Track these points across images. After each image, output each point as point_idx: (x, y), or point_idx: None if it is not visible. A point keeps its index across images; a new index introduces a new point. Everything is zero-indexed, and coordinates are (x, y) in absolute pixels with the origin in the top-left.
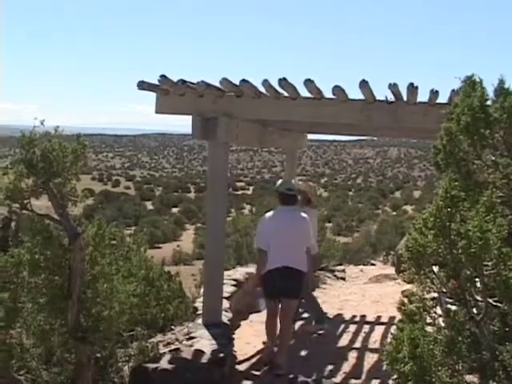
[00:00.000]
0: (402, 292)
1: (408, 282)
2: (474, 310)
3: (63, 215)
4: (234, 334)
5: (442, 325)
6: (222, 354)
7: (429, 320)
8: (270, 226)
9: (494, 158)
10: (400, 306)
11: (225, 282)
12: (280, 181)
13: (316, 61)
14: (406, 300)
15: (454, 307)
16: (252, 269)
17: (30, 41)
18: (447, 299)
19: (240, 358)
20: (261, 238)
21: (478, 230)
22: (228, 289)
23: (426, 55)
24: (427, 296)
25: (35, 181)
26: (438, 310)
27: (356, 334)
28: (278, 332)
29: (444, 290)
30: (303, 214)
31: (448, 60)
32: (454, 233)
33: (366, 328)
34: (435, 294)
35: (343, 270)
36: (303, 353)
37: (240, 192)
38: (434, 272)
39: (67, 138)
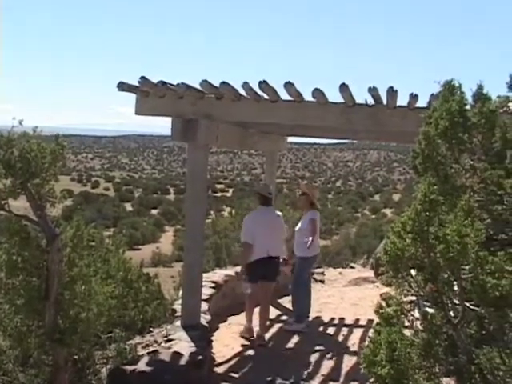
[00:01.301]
0: (381, 295)
1: (386, 285)
2: (451, 314)
3: (41, 216)
4: (212, 336)
5: (420, 328)
6: (200, 357)
7: (406, 323)
8: (255, 223)
9: (471, 163)
10: (378, 309)
11: (204, 284)
12: (261, 184)
13: (298, 65)
14: (383, 303)
15: (431, 310)
16: (231, 271)
17: (11, 39)
18: (425, 302)
19: (218, 360)
20: (247, 233)
21: (456, 234)
22: (207, 291)
23: (407, 59)
24: (405, 299)
25: (13, 181)
26: (416, 314)
27: (334, 336)
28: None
29: (421, 294)
30: (278, 212)
31: (429, 64)
32: (432, 237)
33: (345, 331)
34: (413, 298)
35: (322, 273)
36: (281, 355)
37: (219, 194)
38: (411, 275)
39: (46, 139)
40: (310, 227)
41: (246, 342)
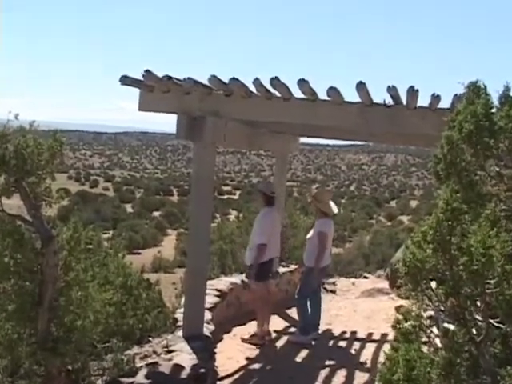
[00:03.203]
0: (396, 308)
1: (403, 298)
2: (474, 331)
3: (36, 216)
4: (215, 347)
5: (440, 345)
6: (202, 370)
7: (425, 340)
8: (270, 224)
9: (498, 169)
10: (395, 324)
11: (207, 292)
12: (264, 182)
13: (311, 62)
14: (401, 317)
15: (452, 327)
16: (237, 279)
17: (8, 29)
18: (445, 318)
19: (222, 373)
20: (264, 234)
21: (481, 245)
22: (211, 299)
23: (428, 57)
24: (424, 314)
25: (7, 179)
26: (436, 330)
27: (346, 351)
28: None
29: (442, 309)
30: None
31: (452, 63)
32: (455, 248)
33: (357, 345)
34: (433, 313)
35: (334, 283)
36: (289, 370)
37: (226, 197)
38: (431, 289)
39: (43, 134)
40: (318, 242)
41: (251, 353)
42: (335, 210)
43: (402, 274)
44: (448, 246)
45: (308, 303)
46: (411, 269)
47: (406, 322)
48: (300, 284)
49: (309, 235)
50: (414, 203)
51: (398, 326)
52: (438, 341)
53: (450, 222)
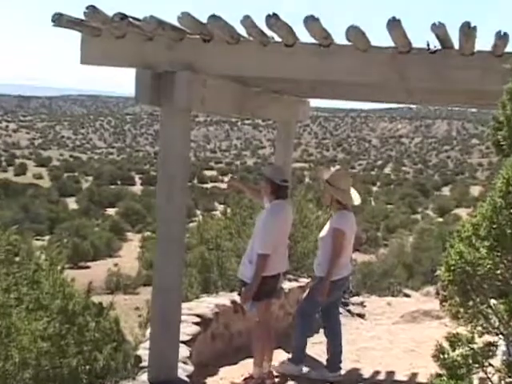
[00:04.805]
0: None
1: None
2: None
3: None
4: None
5: None
6: None
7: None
8: (281, 225)
9: None
10: (438, 354)
11: (184, 318)
12: (271, 167)
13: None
14: (447, 345)
15: None
16: (225, 299)
17: None
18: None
19: None
20: (271, 241)
21: None
22: (188, 329)
23: None
24: (479, 340)
25: None
26: (497, 362)
27: None
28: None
29: (505, 332)
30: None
31: None
32: None
33: None
34: (492, 338)
35: (362, 304)
36: None
37: (210, 185)
38: (489, 304)
39: None
40: (332, 243)
41: None
42: (357, 200)
43: (446, 282)
44: (509, 242)
45: (309, 326)
46: (458, 275)
47: (454, 351)
48: (304, 298)
49: (322, 234)
50: (475, 190)
51: (442, 357)
52: (500, 377)
53: (511, 211)
